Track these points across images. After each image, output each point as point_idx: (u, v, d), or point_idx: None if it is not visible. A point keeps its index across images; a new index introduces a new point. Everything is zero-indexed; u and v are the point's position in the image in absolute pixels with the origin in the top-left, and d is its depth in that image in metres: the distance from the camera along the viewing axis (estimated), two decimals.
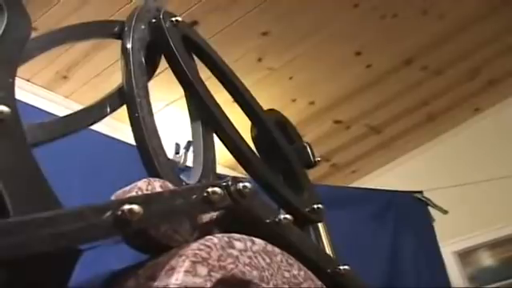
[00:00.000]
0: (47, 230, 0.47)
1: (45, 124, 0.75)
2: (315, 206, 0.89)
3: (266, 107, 0.98)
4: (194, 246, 0.57)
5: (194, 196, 0.64)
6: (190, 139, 2.73)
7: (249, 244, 0.62)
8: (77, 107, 2.63)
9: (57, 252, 0.49)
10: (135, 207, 0.53)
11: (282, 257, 0.67)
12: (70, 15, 2.56)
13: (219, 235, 0.60)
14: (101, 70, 2.92)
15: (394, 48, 3.37)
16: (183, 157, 2.54)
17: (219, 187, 0.65)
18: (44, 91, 2.93)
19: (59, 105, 2.90)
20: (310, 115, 3.63)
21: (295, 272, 0.68)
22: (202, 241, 0.58)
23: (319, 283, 0.71)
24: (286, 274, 0.66)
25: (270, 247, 0.66)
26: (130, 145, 1.86)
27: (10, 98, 0.56)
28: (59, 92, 3.02)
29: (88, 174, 1.71)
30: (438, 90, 3.82)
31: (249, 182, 0.68)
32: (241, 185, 0.67)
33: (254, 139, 0.93)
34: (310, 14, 2.96)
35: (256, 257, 0.62)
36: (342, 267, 0.82)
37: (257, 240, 0.64)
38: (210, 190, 0.65)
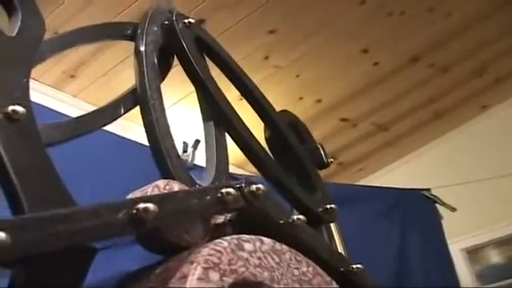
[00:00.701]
0: (63, 227, 0.48)
1: (59, 124, 0.76)
2: (328, 206, 0.89)
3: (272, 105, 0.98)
4: (205, 251, 0.57)
5: (208, 197, 0.65)
6: (198, 138, 2.72)
7: (258, 244, 0.63)
8: (85, 106, 2.64)
9: (72, 249, 0.50)
10: (150, 206, 0.54)
11: (291, 254, 0.67)
12: (76, 14, 2.56)
13: (228, 238, 0.60)
14: (108, 68, 2.93)
15: (401, 46, 3.37)
16: (191, 155, 2.55)
17: (233, 188, 0.66)
18: (52, 90, 2.94)
19: (67, 104, 2.91)
20: (316, 113, 3.63)
21: (304, 269, 0.68)
22: (211, 245, 0.58)
23: (328, 278, 0.71)
24: (296, 272, 0.66)
25: (278, 246, 0.66)
26: (141, 144, 1.87)
27: (25, 99, 0.57)
28: (67, 91, 3.03)
29: (98, 174, 1.72)
30: (444, 88, 3.81)
31: (262, 183, 0.69)
32: (254, 186, 0.68)
33: (268, 140, 0.94)
34: (317, 11, 2.95)
35: (266, 257, 0.63)
36: (355, 266, 0.83)
37: (265, 239, 0.65)
38: (223, 190, 0.65)
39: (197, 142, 2.60)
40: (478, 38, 3.44)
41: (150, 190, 0.65)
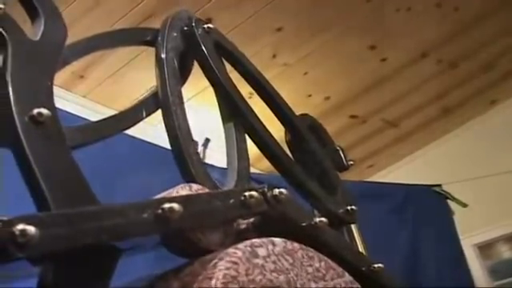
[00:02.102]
0: (89, 224, 0.49)
1: (82, 127, 0.77)
2: (349, 208, 0.90)
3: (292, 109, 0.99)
4: (221, 264, 0.57)
5: (232, 200, 0.66)
6: (208, 136, 2.71)
7: (270, 247, 0.63)
8: (94, 106, 2.63)
9: (98, 248, 0.51)
10: (175, 206, 0.55)
11: (302, 252, 0.68)
12: (83, 16, 2.57)
13: (240, 245, 0.61)
14: (116, 69, 2.94)
15: (409, 42, 3.36)
16: (202, 154, 2.55)
17: (256, 192, 0.67)
18: (61, 91, 2.95)
19: (76, 104, 2.92)
20: (325, 110, 3.63)
21: (317, 265, 0.68)
22: (227, 257, 0.58)
23: (340, 269, 0.72)
24: (309, 270, 0.67)
25: (289, 245, 0.66)
26: (154, 145, 1.87)
27: (49, 101, 0.58)
28: (76, 91, 3.05)
29: (111, 175, 1.72)
30: (453, 84, 3.81)
31: (285, 187, 0.70)
32: (277, 190, 0.69)
33: (288, 143, 0.95)
34: (324, 8, 2.95)
35: (279, 259, 0.63)
36: (376, 265, 0.84)
37: (276, 240, 0.65)
38: (247, 194, 0.66)
39: (207, 140, 2.61)
40: (486, 32, 3.43)
41: (180, 187, 0.66)
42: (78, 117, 1.84)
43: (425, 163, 4.23)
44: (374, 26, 3.18)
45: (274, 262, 0.62)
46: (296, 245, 0.67)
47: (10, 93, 0.56)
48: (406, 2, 3.08)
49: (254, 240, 0.62)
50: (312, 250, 0.69)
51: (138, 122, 0.82)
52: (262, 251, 0.61)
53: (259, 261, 0.60)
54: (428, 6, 3.14)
